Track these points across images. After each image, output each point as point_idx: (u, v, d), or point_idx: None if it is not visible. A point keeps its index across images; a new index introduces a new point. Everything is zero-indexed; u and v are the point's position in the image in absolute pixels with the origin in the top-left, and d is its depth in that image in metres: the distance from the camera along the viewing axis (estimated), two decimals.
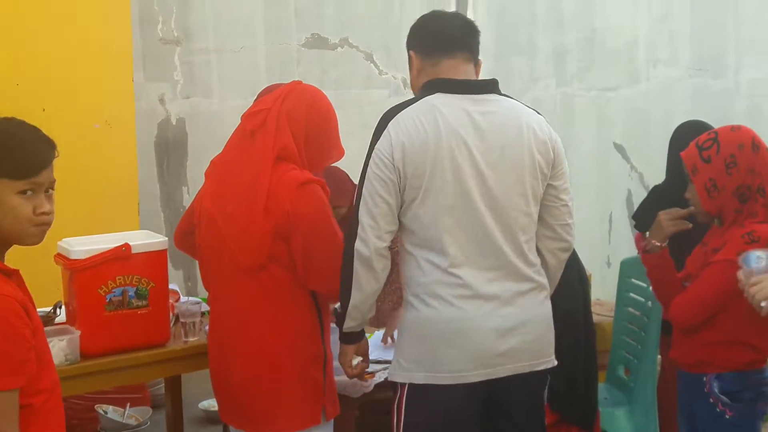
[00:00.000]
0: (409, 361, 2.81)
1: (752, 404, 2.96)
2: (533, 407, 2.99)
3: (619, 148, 6.61)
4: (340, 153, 3.06)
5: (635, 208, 5.05)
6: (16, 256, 2.14)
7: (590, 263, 4.62)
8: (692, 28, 6.97)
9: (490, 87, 2.75)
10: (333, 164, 3.38)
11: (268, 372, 2.95)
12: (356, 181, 3.25)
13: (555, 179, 2.80)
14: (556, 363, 2.95)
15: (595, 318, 3.87)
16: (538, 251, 2.89)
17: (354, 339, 2.91)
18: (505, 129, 2.72)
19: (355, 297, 2.77)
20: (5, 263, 2.07)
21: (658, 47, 6.67)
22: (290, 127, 2.94)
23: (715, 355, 2.95)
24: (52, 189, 2.08)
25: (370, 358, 3.40)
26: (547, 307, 2.88)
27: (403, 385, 2.82)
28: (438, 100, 2.72)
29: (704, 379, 2.96)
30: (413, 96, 2.84)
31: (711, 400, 2.97)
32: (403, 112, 2.71)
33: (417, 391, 2.81)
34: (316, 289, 2.94)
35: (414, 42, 2.90)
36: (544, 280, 2.87)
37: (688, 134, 3.91)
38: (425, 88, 2.77)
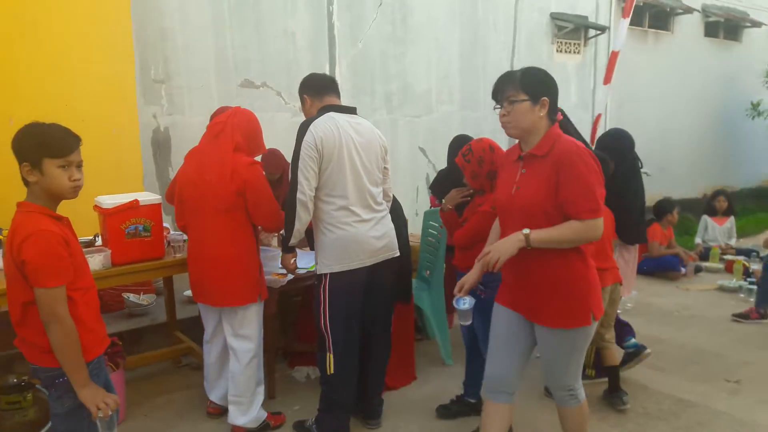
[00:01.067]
0: (330, 260, 2.98)
1: (495, 290, 2.84)
2: (391, 278, 3.24)
3: (422, 150, 7.05)
4: (264, 148, 3.23)
5: (430, 183, 5.35)
6: (71, 209, 2.14)
7: (407, 214, 4.97)
8: (460, 82, 7.41)
9: (355, 110, 3.10)
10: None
11: (227, 270, 3.05)
12: (287, 160, 3.45)
13: (386, 163, 3.15)
14: (399, 254, 3.21)
15: (411, 243, 4.02)
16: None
17: (293, 250, 3.07)
18: (368, 133, 3.04)
19: (297, 225, 2.91)
20: (56, 212, 2.10)
21: (441, 92, 7.25)
22: (239, 132, 3.05)
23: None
24: (81, 165, 2.10)
25: (280, 267, 3.46)
26: (392, 225, 3.18)
27: (326, 274, 3.00)
28: (333, 115, 2.98)
29: None
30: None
31: (473, 288, 2.94)
32: (316, 120, 2.94)
33: (335, 276, 3.00)
34: (259, 223, 3.10)
35: (306, 90, 3.13)
36: (387, 210, 3.18)
37: (458, 141, 4.24)
38: (321, 111, 3.02)
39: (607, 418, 3.47)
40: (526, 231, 2.31)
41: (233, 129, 3.02)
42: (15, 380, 2.98)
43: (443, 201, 3.35)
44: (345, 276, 2.97)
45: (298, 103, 5.38)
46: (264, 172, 3.18)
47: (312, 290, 3.12)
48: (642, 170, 3.92)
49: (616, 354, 3.73)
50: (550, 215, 2.33)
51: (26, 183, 2.05)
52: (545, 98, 2.34)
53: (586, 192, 2.26)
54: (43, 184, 2.02)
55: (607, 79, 6.99)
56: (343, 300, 3.00)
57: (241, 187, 2.95)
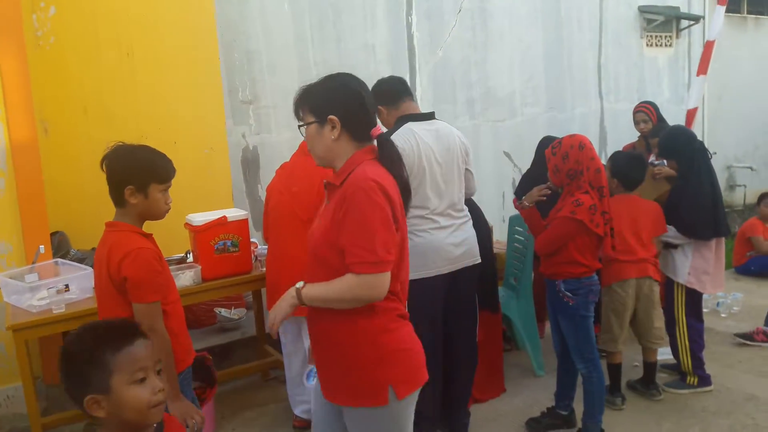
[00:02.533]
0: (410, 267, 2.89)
1: (585, 297, 3.02)
2: (472, 286, 3.14)
3: (507, 155, 6.83)
4: None
5: (515, 187, 5.28)
6: (165, 227, 2.24)
7: (492, 220, 4.98)
8: (545, 83, 7.10)
9: (432, 116, 3.08)
10: None
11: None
12: None
13: (468, 164, 3.10)
14: (480, 261, 3.11)
15: (496, 250, 3.98)
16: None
17: None
18: (447, 138, 2.99)
19: None
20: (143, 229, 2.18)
21: (526, 95, 6.97)
22: None
23: (562, 270, 3.01)
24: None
25: None
26: (473, 231, 3.10)
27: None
28: (411, 126, 2.94)
29: (556, 283, 3.05)
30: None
31: (561, 295, 3.03)
32: (395, 134, 2.89)
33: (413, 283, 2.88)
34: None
35: (380, 101, 3.03)
36: (469, 216, 3.11)
37: (545, 141, 4.02)
38: (398, 121, 3.01)
39: (710, 430, 3.26)
40: (299, 284, 1.91)
41: None
42: None
43: (522, 199, 3.28)
44: (423, 283, 2.88)
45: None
46: None
47: None
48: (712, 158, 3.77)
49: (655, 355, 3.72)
50: (329, 263, 1.84)
51: (121, 203, 2.11)
52: (332, 116, 1.86)
53: (363, 239, 1.74)
54: (144, 206, 2.10)
55: (703, 70, 6.51)
56: (421, 307, 2.90)
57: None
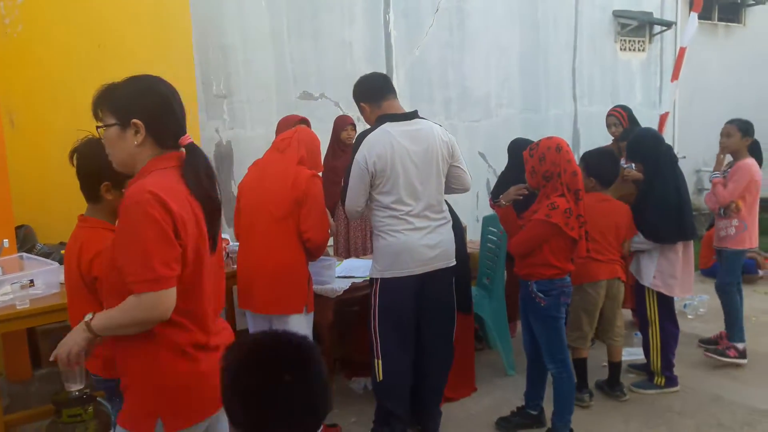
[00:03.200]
0: (381, 266, 2.97)
1: (556, 298, 3.04)
2: (447, 287, 3.12)
3: (482, 155, 6.84)
4: (321, 167, 3.26)
5: (492, 188, 5.20)
6: None
7: (466, 219, 4.88)
8: (521, 85, 7.17)
9: (413, 115, 3.00)
10: None
11: (276, 277, 2.99)
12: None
13: (455, 161, 3.03)
14: (454, 263, 3.09)
15: (469, 250, 3.94)
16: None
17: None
18: (426, 140, 2.94)
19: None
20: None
21: (501, 96, 7.04)
22: (304, 147, 3.08)
23: (535, 271, 3.03)
24: None
25: (342, 275, 3.61)
26: (451, 234, 3.08)
27: (377, 279, 2.99)
28: (387, 128, 2.91)
29: (529, 284, 3.07)
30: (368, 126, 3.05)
31: (533, 296, 3.05)
32: (369, 137, 2.92)
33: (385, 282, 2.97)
34: (306, 233, 3.00)
35: (363, 98, 3.08)
36: (448, 218, 3.08)
37: (516, 144, 4.21)
38: (378, 120, 2.98)
39: (677, 430, 3.31)
40: (88, 316, 1.70)
41: (299, 144, 3.06)
42: (76, 393, 2.94)
43: (499, 198, 3.28)
44: (393, 282, 2.93)
45: (356, 113, 5.33)
46: None
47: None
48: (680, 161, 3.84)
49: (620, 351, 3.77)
50: (118, 287, 1.66)
51: (95, 199, 2.04)
52: (136, 120, 1.68)
53: (139, 256, 1.57)
54: (118, 202, 1.94)
55: (675, 76, 6.61)
56: (391, 306, 2.98)
57: (301, 197, 2.94)
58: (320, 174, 3.15)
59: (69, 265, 2.06)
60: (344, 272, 3.67)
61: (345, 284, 3.47)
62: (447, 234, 3.02)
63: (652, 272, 3.70)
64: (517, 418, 3.38)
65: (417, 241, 2.90)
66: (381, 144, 2.85)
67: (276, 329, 1.36)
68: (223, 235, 3.37)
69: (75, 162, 2.04)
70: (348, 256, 4.71)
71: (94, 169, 2.00)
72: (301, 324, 3.05)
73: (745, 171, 4.04)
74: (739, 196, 4.04)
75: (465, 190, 3.15)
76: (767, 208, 8.32)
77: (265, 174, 3.06)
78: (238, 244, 3.56)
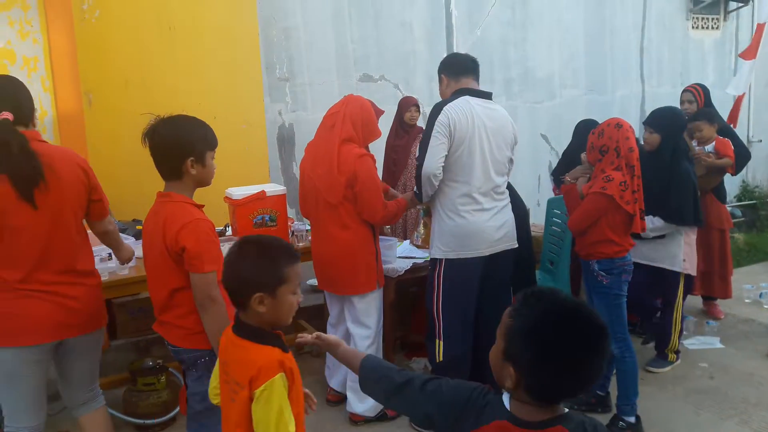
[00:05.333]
0: (446, 246, 2.94)
1: (618, 276, 3.00)
2: (508, 269, 3.12)
3: (544, 137, 6.71)
4: (378, 134, 3.13)
5: (552, 170, 5.13)
6: (203, 200, 2.19)
7: (528, 202, 4.66)
8: (586, 65, 6.96)
9: (490, 95, 3.01)
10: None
11: (344, 261, 3.03)
12: None
13: (513, 151, 3.09)
14: (517, 245, 3.11)
15: (532, 233, 3.86)
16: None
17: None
18: (501, 120, 2.98)
19: (423, 198, 2.99)
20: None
21: (565, 77, 6.86)
22: (350, 122, 2.98)
23: (596, 250, 3.00)
24: None
25: (403, 255, 3.60)
26: (512, 215, 3.09)
27: (441, 260, 2.97)
28: (468, 99, 2.91)
29: (591, 263, 3.04)
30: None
31: (595, 275, 3.01)
32: (451, 102, 2.88)
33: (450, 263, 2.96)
34: (365, 216, 2.99)
35: (445, 69, 3.06)
36: (509, 200, 3.08)
37: (583, 125, 4.05)
38: (456, 93, 2.94)
39: (750, 421, 3.18)
40: None
41: (344, 119, 2.96)
42: (151, 363, 3.10)
43: (564, 179, 3.29)
44: (460, 263, 2.90)
45: (416, 94, 5.31)
46: None
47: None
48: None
49: None
50: None
51: (178, 175, 2.08)
52: None
53: None
54: (201, 175, 2.09)
55: (752, 55, 6.26)
56: (457, 287, 2.95)
57: (351, 179, 2.89)
58: (371, 151, 3.07)
59: (152, 240, 2.11)
60: (405, 253, 3.67)
61: (407, 264, 3.46)
62: (510, 215, 3.03)
63: (681, 256, 3.61)
64: (584, 397, 3.24)
65: (484, 223, 2.90)
66: (462, 112, 2.84)
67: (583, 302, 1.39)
68: (289, 214, 3.51)
69: (154, 141, 2.06)
70: (405, 237, 4.70)
71: (178, 147, 2.05)
72: (374, 300, 3.10)
73: None
74: None
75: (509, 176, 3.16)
76: None
77: (315, 158, 3.03)
78: (302, 223, 3.66)
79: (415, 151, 4.84)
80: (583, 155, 3.22)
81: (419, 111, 4.92)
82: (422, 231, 3.98)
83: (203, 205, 2.16)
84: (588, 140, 3.07)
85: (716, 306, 4.66)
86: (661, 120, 3.50)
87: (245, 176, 3.98)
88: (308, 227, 3.42)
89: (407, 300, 3.95)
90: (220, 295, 2.01)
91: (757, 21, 6.60)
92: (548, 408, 1.30)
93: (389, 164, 4.74)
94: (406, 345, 4.01)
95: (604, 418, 3.15)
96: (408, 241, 4.03)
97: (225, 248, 3.02)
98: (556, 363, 1.24)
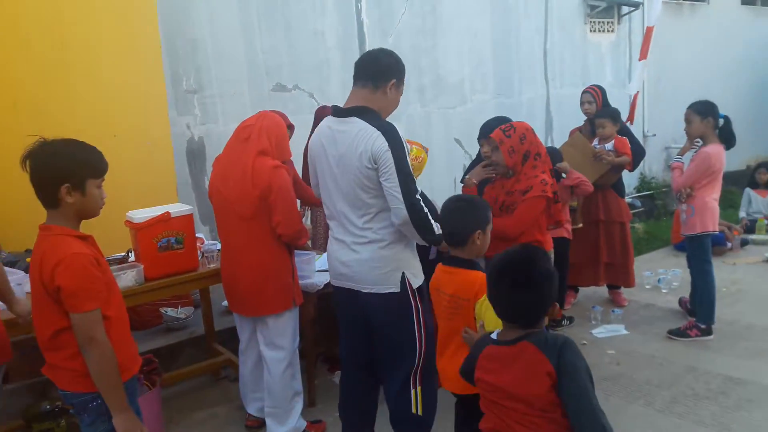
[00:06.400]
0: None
1: None
2: (385, 319, 2.58)
3: (458, 141, 6.74)
4: (290, 154, 3.03)
5: (462, 175, 4.79)
6: (104, 226, 2.03)
7: None
8: (494, 70, 7.03)
9: (353, 112, 2.40)
10: None
11: (257, 278, 2.87)
12: None
13: (383, 176, 2.33)
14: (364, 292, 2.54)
15: None
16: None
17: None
18: (348, 143, 2.38)
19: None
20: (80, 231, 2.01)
21: (475, 82, 6.90)
22: (266, 136, 2.86)
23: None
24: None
25: (323, 269, 3.34)
26: (377, 257, 2.49)
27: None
28: (325, 122, 2.54)
29: None
30: None
31: None
32: (317, 128, 2.61)
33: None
34: (281, 230, 2.82)
35: None
36: (373, 239, 2.45)
37: (488, 123, 3.84)
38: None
39: (654, 402, 3.31)
40: None
41: (260, 132, 2.83)
42: (48, 407, 2.87)
43: (467, 176, 3.21)
44: (332, 286, 2.69)
45: (332, 102, 5.12)
46: None
47: None
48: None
49: None
50: None
51: (54, 204, 1.91)
52: None
53: None
54: (80, 204, 1.94)
55: (643, 55, 6.58)
56: (336, 311, 2.69)
57: (264, 191, 2.73)
58: (286, 162, 2.96)
59: (33, 277, 1.96)
60: (324, 266, 3.45)
61: (326, 278, 3.32)
62: (364, 255, 2.43)
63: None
64: None
65: (333, 253, 2.56)
66: (316, 139, 2.54)
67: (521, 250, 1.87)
68: (197, 234, 3.34)
69: (29, 166, 1.90)
70: (325, 249, 4.60)
71: (52, 172, 1.88)
72: (289, 320, 2.94)
73: (703, 160, 3.92)
74: (692, 184, 3.97)
75: (397, 220, 2.35)
76: (733, 182, 8.46)
77: (227, 171, 2.85)
78: (214, 243, 3.49)
79: None
80: (494, 158, 3.09)
81: None
82: None
83: (89, 236, 2.00)
84: (501, 142, 2.98)
85: (620, 294, 4.85)
86: (487, 131, 3.54)
87: (151, 196, 3.74)
88: (219, 247, 3.26)
89: (329, 313, 3.82)
90: (103, 335, 1.88)
91: (647, 24, 6.94)
92: (519, 329, 1.78)
93: (307, 175, 4.59)
94: (329, 359, 3.89)
95: None
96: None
97: (127, 276, 2.92)
98: (504, 292, 1.79)
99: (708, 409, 3.21)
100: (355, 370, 2.67)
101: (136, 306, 3.60)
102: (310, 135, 4.63)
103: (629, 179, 7.59)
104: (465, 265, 2.32)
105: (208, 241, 3.77)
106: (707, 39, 9.47)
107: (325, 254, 3.75)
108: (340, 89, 5.67)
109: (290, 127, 3.74)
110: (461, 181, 3.19)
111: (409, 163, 2.35)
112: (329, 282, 3.21)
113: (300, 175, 4.36)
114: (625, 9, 8.32)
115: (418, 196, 2.32)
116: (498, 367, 1.79)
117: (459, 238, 2.33)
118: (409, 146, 2.64)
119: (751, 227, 6.76)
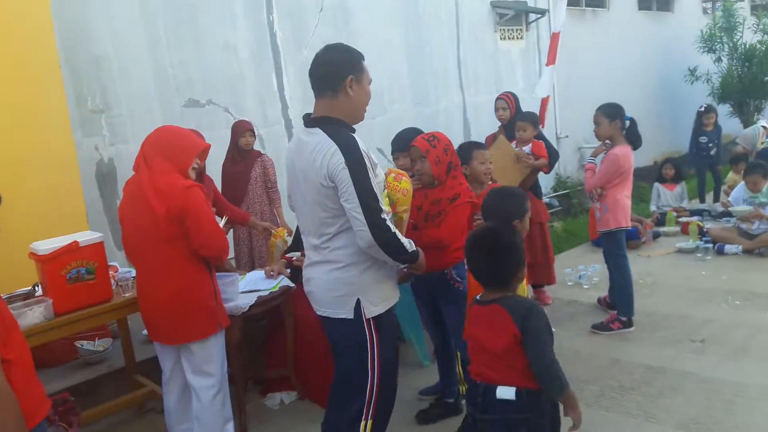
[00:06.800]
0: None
1: (466, 278, 2.94)
2: (337, 337, 2.57)
3: (380, 151, 6.60)
4: (193, 154, 2.74)
5: None
6: (7, 259, 1.86)
7: None
8: (410, 80, 7.12)
9: (316, 122, 2.33)
10: None
11: (178, 305, 2.73)
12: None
13: (342, 195, 2.23)
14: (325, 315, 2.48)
15: None
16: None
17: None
18: (308, 156, 2.29)
19: None
20: None
21: (393, 92, 6.96)
22: (159, 153, 2.69)
23: (451, 257, 2.97)
24: None
25: (246, 290, 3.29)
26: (331, 279, 2.42)
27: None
28: (298, 132, 2.46)
29: (446, 272, 2.99)
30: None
31: (452, 282, 2.99)
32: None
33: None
34: (200, 253, 2.70)
35: None
36: (331, 260, 2.37)
37: (404, 136, 3.86)
38: None
39: (583, 398, 3.34)
40: None
41: (152, 153, 2.67)
42: None
43: None
44: None
45: (251, 117, 5.02)
46: None
47: (281, 312, 2.82)
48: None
49: None
50: None
51: None
52: None
53: None
54: None
55: (551, 60, 6.85)
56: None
57: (179, 214, 2.59)
58: (199, 168, 2.80)
59: None
60: (248, 286, 3.43)
61: (250, 299, 3.23)
62: (321, 277, 2.38)
63: None
64: (436, 410, 3.31)
65: (304, 269, 2.51)
66: (289, 146, 2.50)
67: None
68: (110, 263, 3.19)
69: None
70: (252, 267, 4.51)
71: None
72: (215, 345, 2.81)
73: (613, 162, 4.06)
74: (604, 185, 4.13)
75: (363, 243, 2.23)
76: (643, 178, 8.97)
77: (134, 197, 2.71)
78: (129, 271, 3.30)
79: (257, 177, 4.72)
80: (417, 167, 3.08)
81: (254, 136, 4.74)
82: None
83: None
84: (427, 152, 2.97)
85: (544, 292, 4.97)
86: (404, 144, 3.55)
87: (58, 223, 3.54)
88: (134, 274, 3.07)
89: (256, 335, 3.73)
90: (3, 382, 1.69)
91: (553, 30, 7.26)
92: (495, 292, 2.14)
93: (227, 192, 4.47)
94: (260, 382, 3.77)
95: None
96: (254, 272, 3.78)
97: (34, 313, 2.73)
98: (476, 259, 2.17)
99: (634, 400, 3.29)
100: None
101: (49, 342, 3.31)
102: (228, 150, 4.65)
103: (546, 180, 7.90)
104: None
105: (122, 268, 3.58)
106: (609, 43, 10.04)
107: (249, 274, 3.73)
108: (256, 103, 5.64)
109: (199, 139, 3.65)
110: None
111: (372, 179, 2.21)
112: (254, 304, 3.19)
113: (221, 191, 4.26)
114: (532, 16, 8.68)
115: (383, 216, 2.20)
116: (476, 322, 2.20)
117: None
118: (402, 177, 2.71)
119: (661, 220, 7.10)
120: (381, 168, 2.45)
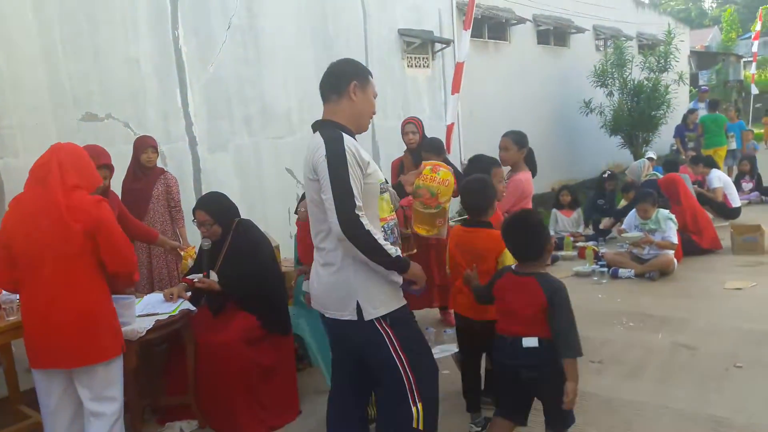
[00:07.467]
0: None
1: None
2: (344, 341, 2.62)
3: (290, 171, 6.77)
4: (101, 180, 2.82)
5: (296, 206, 4.83)
6: None
7: (279, 237, 4.81)
8: (319, 101, 6.71)
9: (317, 125, 2.47)
10: None
11: (84, 324, 2.60)
12: None
13: (322, 189, 2.28)
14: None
15: (285, 268, 4.07)
16: None
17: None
18: (308, 153, 2.38)
19: None
20: None
21: (303, 112, 6.84)
22: (72, 168, 2.62)
23: None
24: None
25: (144, 313, 3.21)
26: (331, 282, 2.46)
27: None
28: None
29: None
30: None
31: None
32: None
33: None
34: (113, 269, 2.64)
35: None
36: (331, 262, 2.42)
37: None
38: None
39: (451, 415, 3.35)
40: None
41: (62, 167, 2.58)
42: None
43: (300, 208, 3.24)
44: None
45: (154, 133, 4.86)
46: None
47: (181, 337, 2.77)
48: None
49: None
50: None
51: None
52: None
53: None
54: None
55: (455, 89, 7.17)
56: None
57: (92, 227, 2.54)
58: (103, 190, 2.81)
59: None
60: (146, 309, 3.31)
61: (148, 323, 3.11)
62: (326, 279, 2.41)
63: None
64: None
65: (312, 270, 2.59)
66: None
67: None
68: None
69: None
70: (151, 289, 4.35)
71: None
72: (118, 368, 2.68)
73: (516, 187, 4.21)
74: (509, 208, 4.21)
75: (337, 235, 2.24)
76: (542, 204, 9.51)
77: (34, 214, 2.57)
78: (12, 296, 3.04)
79: (159, 195, 4.61)
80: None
81: (157, 152, 4.65)
82: None
83: None
84: None
85: (451, 314, 4.90)
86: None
87: None
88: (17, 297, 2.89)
89: (155, 361, 3.60)
90: None
91: (457, 60, 7.62)
92: (529, 266, 2.60)
93: (128, 207, 4.29)
94: (158, 410, 3.61)
95: None
96: (152, 295, 3.64)
97: None
98: (512, 236, 2.64)
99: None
100: (340, 383, 2.65)
101: None
102: (129, 166, 4.50)
103: (453, 204, 8.16)
104: (485, 225, 3.06)
105: (5, 291, 3.28)
106: (511, 74, 10.68)
107: (146, 297, 3.61)
108: (159, 118, 5.50)
109: (109, 167, 3.62)
110: (295, 212, 3.19)
111: (352, 174, 2.21)
112: (152, 328, 3.09)
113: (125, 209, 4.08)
114: (437, 46, 9.05)
115: (357, 212, 2.18)
116: (510, 289, 2.61)
117: (481, 209, 3.08)
118: (440, 168, 2.82)
119: (559, 245, 7.34)
120: (378, 170, 2.47)
